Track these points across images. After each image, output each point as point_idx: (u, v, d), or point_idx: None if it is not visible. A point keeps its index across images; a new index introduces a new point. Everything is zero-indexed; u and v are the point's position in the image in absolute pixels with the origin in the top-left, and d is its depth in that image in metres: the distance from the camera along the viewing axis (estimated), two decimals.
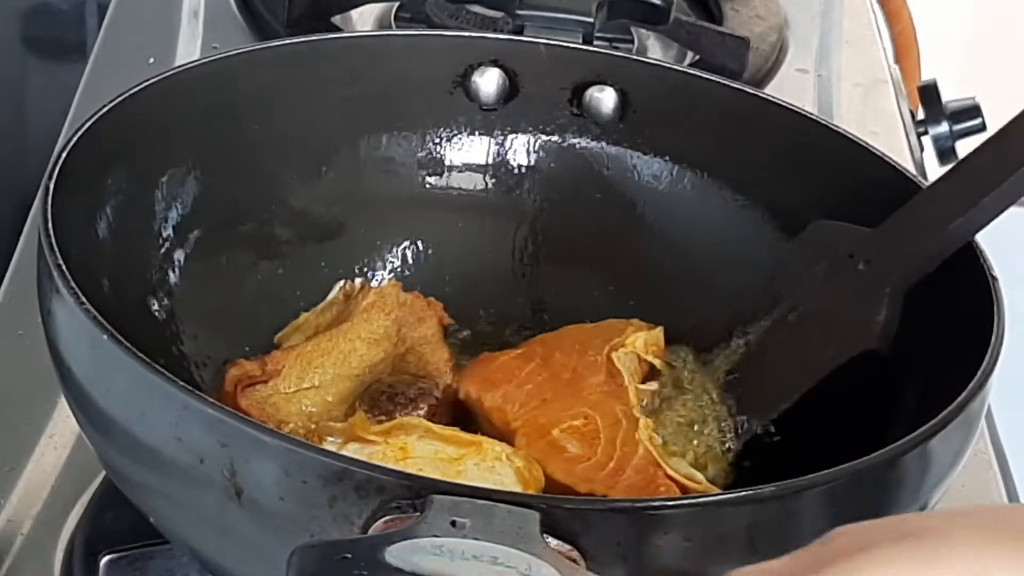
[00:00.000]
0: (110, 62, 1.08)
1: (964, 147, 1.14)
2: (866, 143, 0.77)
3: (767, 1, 1.20)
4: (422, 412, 0.71)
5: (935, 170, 1.15)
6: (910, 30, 1.42)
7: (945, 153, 1.14)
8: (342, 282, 0.79)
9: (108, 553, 0.70)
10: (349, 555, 0.46)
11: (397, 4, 1.15)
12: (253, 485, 0.53)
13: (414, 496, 0.50)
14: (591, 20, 1.06)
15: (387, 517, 0.50)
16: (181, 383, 0.54)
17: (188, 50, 1.10)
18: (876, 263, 0.70)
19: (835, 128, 0.78)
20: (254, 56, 0.77)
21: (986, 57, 1.94)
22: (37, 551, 0.71)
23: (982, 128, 1.13)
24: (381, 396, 0.72)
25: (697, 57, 1.11)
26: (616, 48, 1.12)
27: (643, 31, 1.15)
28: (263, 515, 0.54)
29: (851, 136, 0.77)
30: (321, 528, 0.52)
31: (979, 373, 0.61)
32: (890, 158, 0.76)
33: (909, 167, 1.08)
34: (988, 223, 0.68)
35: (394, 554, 0.46)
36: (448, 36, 0.86)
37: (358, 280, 0.80)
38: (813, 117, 0.79)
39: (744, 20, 1.16)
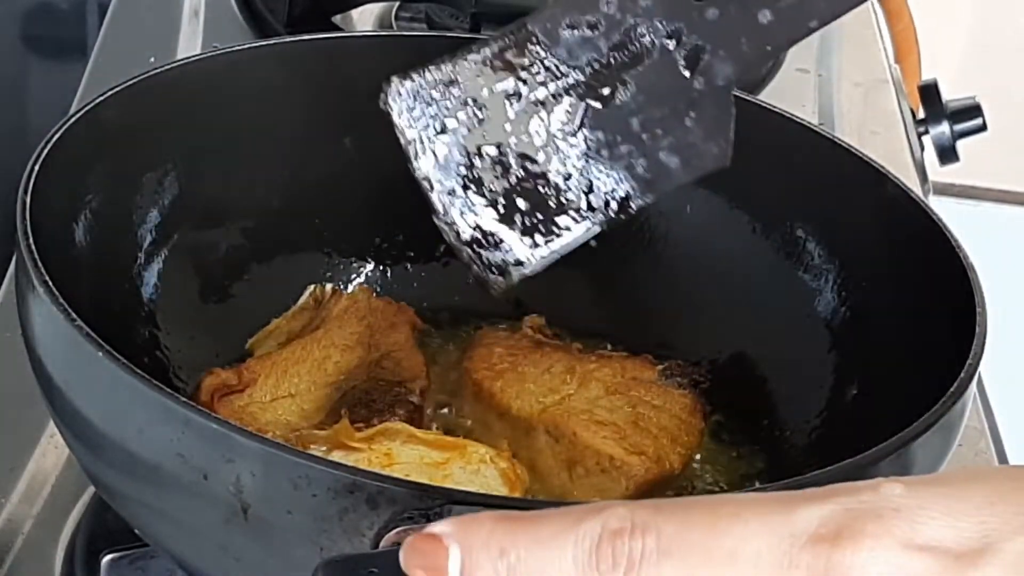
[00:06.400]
0: (110, 62, 1.08)
1: (965, 146, 1.14)
2: (834, 136, 0.77)
3: None
4: (400, 417, 0.70)
5: (936, 170, 1.15)
6: (911, 30, 1.42)
7: (946, 152, 1.14)
8: (312, 287, 0.79)
9: (109, 552, 0.69)
10: (376, 569, 0.45)
11: (397, 4, 1.15)
12: (260, 500, 0.52)
13: (427, 507, 0.49)
14: None
15: (399, 528, 0.49)
16: (183, 399, 0.54)
17: (188, 49, 1.10)
18: (711, 76, 0.63)
19: (804, 123, 0.78)
20: (219, 60, 0.77)
21: (986, 57, 1.95)
22: (38, 550, 0.71)
23: (983, 128, 1.13)
24: (358, 403, 0.71)
25: None
26: None
27: None
28: (270, 530, 0.53)
29: (819, 131, 0.78)
30: (331, 541, 0.51)
31: (957, 381, 0.60)
32: (857, 150, 0.76)
33: (910, 167, 1.09)
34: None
35: None
36: (405, 36, 0.86)
37: (328, 285, 0.80)
38: (779, 112, 0.79)
39: None
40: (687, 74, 0.63)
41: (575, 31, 0.64)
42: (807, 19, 0.62)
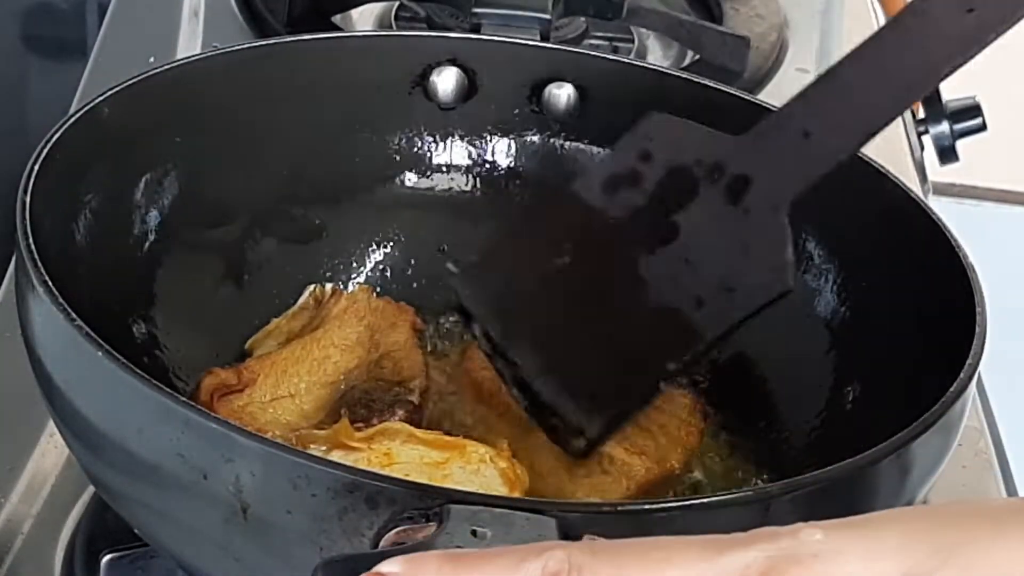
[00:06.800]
0: (110, 61, 1.08)
1: (965, 146, 1.14)
2: None
3: (767, 0, 1.20)
4: (400, 417, 0.70)
5: (936, 170, 1.15)
6: None
7: (945, 152, 1.13)
8: (312, 286, 0.79)
9: (109, 552, 0.69)
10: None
11: (397, 4, 1.15)
12: (260, 500, 0.53)
13: (427, 507, 0.49)
14: (547, 16, 1.06)
15: (399, 528, 0.49)
16: (183, 399, 0.54)
17: (188, 49, 1.10)
18: (759, 202, 0.64)
19: None
20: (219, 60, 0.77)
21: (986, 57, 1.94)
22: (38, 550, 0.71)
23: (982, 127, 1.13)
24: (358, 403, 0.71)
25: (697, 56, 1.11)
26: (615, 48, 1.13)
27: (643, 31, 1.15)
28: (269, 530, 0.53)
29: None
30: (330, 541, 0.51)
31: (957, 381, 0.60)
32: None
33: (910, 167, 1.09)
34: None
35: None
36: (405, 36, 0.86)
37: (328, 285, 0.80)
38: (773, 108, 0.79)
39: (744, 19, 1.16)
40: (733, 206, 0.63)
41: (618, 185, 0.65)
42: (850, 137, 0.62)
